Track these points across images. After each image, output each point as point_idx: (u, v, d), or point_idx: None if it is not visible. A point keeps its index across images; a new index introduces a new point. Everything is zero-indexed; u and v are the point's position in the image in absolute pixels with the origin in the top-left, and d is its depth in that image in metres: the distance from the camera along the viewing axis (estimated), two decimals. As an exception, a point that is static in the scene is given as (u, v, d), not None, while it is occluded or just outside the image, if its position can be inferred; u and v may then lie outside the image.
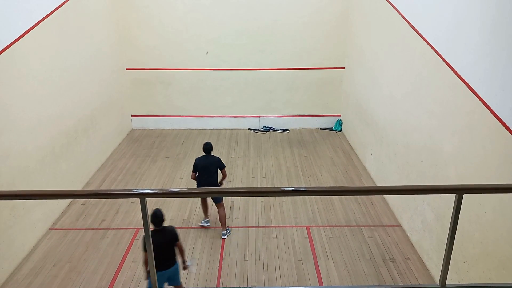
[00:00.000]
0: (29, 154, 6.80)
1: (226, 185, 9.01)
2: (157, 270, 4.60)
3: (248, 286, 5.95)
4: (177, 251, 5.23)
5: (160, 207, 7.83)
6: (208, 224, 7.40)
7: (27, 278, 6.14)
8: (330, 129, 12.33)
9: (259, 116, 12.40)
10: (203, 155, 7.12)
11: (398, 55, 7.62)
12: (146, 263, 4.97)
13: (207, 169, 7.00)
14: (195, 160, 7.06)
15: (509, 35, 4.44)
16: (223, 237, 7.10)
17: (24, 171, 6.63)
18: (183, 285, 5.68)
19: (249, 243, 6.98)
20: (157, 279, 4.78)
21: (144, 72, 11.89)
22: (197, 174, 7.00)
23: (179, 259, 5.28)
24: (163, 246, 5.00)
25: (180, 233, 7.16)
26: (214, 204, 7.31)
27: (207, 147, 7.11)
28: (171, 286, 5.31)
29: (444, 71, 5.78)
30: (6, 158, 6.19)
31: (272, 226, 7.45)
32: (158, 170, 9.64)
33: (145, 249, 4.85)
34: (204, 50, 11.68)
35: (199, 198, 7.58)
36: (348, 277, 6.17)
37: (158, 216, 5.07)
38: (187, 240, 7.03)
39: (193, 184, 7.27)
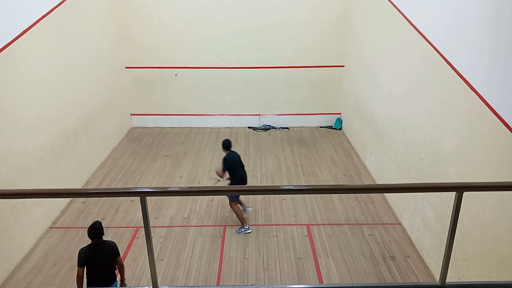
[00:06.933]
0: (29, 153, 6.79)
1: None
2: None
3: (248, 285, 5.95)
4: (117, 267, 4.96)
5: (160, 206, 7.97)
6: (250, 209, 7.56)
7: (28, 277, 6.15)
8: (330, 127, 12.33)
9: (259, 115, 12.39)
10: (231, 152, 7.13)
11: (398, 53, 7.61)
12: (79, 279, 4.64)
13: (241, 162, 7.20)
14: (227, 160, 6.97)
15: (509, 33, 4.43)
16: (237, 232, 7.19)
17: (24, 170, 6.63)
18: (184, 282, 5.65)
19: (249, 241, 6.98)
20: None
21: (144, 70, 11.88)
22: (230, 172, 7.03)
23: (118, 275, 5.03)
24: (101, 261, 4.73)
25: (180, 232, 7.24)
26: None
27: (229, 143, 7.18)
28: None
29: (444, 70, 5.78)
30: (6, 157, 6.19)
31: (272, 224, 7.46)
32: (157, 168, 9.64)
33: (80, 265, 4.64)
34: (200, 47, 11.70)
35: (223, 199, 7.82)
36: (348, 275, 6.17)
37: (96, 229, 4.73)
38: (187, 238, 7.04)
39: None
